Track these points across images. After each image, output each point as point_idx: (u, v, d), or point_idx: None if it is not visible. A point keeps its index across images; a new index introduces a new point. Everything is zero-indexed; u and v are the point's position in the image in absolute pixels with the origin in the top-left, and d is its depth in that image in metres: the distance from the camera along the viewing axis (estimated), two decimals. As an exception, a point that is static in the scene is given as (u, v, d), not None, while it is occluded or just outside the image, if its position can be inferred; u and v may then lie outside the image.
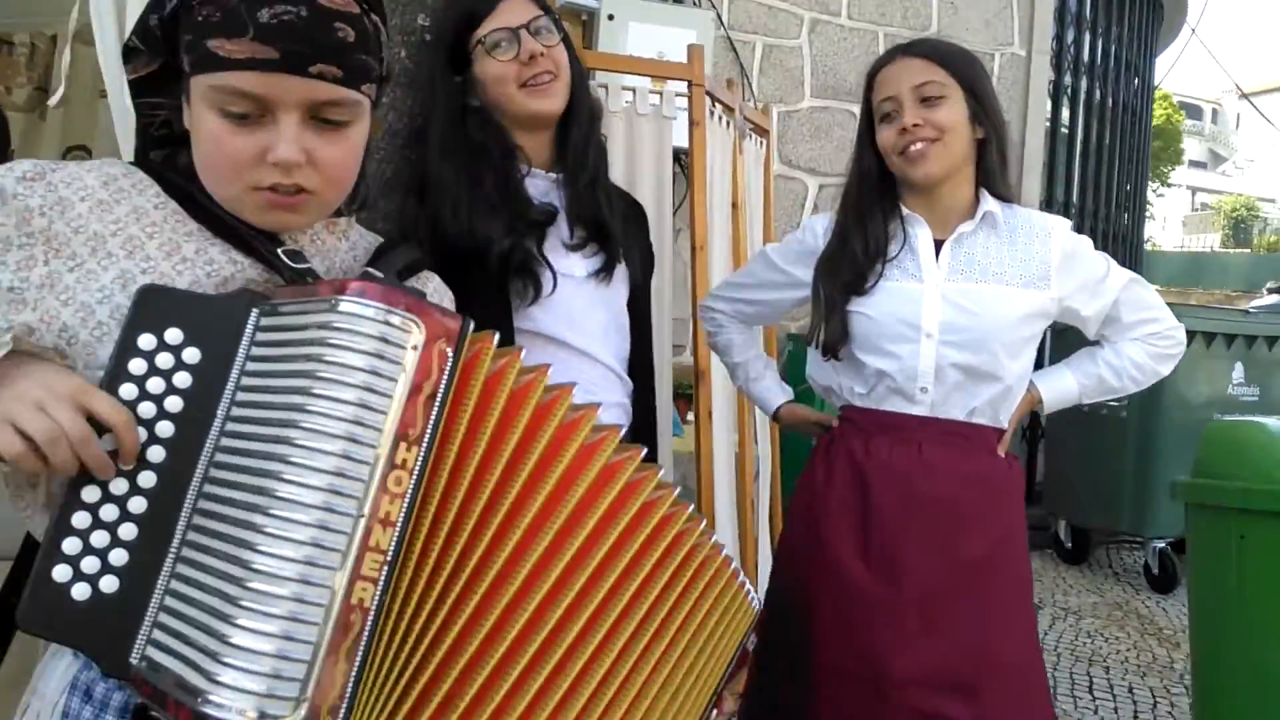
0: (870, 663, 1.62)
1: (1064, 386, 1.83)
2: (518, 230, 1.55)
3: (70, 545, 0.83)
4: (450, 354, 0.86)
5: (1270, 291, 12.23)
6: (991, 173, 1.73)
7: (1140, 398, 1.79)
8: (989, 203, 1.73)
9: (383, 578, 0.81)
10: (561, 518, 0.94)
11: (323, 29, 0.93)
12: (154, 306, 0.89)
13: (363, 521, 0.80)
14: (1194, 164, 35.53)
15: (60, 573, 0.82)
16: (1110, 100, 6.69)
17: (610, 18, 4.63)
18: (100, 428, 0.83)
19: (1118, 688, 3.58)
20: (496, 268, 1.53)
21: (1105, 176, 6.67)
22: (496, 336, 0.93)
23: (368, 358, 0.83)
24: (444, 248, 1.53)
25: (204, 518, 0.85)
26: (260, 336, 0.90)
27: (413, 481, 0.83)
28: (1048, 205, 6.24)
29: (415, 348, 0.85)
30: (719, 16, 5.03)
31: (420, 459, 0.83)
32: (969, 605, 1.62)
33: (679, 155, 3.09)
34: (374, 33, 0.99)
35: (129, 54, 1.02)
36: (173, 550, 0.85)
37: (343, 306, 0.84)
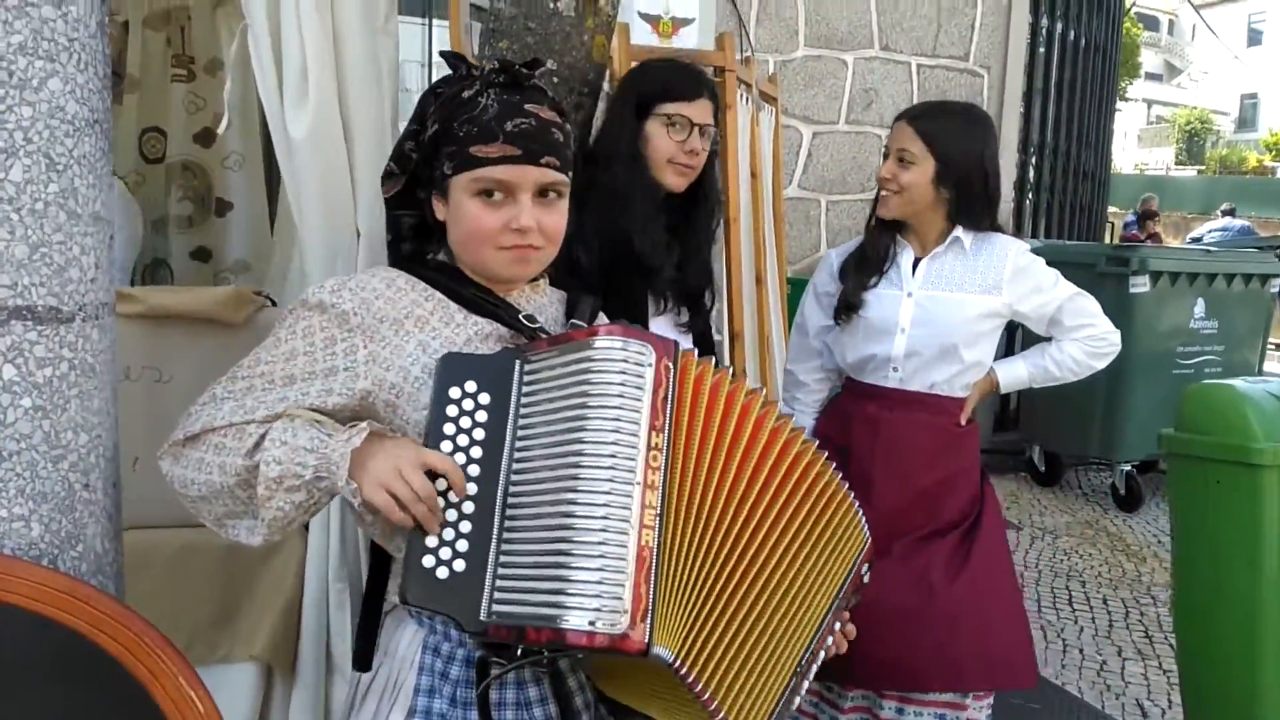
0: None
1: (1016, 372, 2.38)
2: (683, 270, 1.96)
3: (430, 541, 1.17)
4: (671, 366, 1.21)
5: (1223, 214, 12.77)
6: (966, 214, 2.24)
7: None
8: (958, 231, 2.26)
9: (656, 526, 1.15)
10: (764, 475, 1.29)
11: (547, 133, 1.32)
12: (453, 365, 1.24)
13: (638, 488, 1.15)
14: (1150, 76, 35.81)
15: (427, 560, 1.17)
16: (1083, 39, 6.98)
17: (617, -24, 4.81)
18: (435, 474, 1.18)
19: (1093, 599, 4.05)
20: (650, 279, 1.93)
21: (1077, 116, 6.99)
22: (696, 351, 1.27)
23: (624, 376, 1.18)
24: (608, 245, 1.89)
25: (515, 509, 1.19)
26: (526, 379, 1.24)
27: (664, 457, 1.17)
28: (1024, 146, 6.56)
29: (650, 365, 1.19)
30: (719, -29, 5.22)
31: (667, 440, 1.18)
32: (921, 520, 2.21)
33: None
34: (569, 137, 1.38)
35: (385, 179, 1.40)
36: (493, 540, 1.18)
37: (598, 344, 1.19)
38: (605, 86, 2.15)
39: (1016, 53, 6.17)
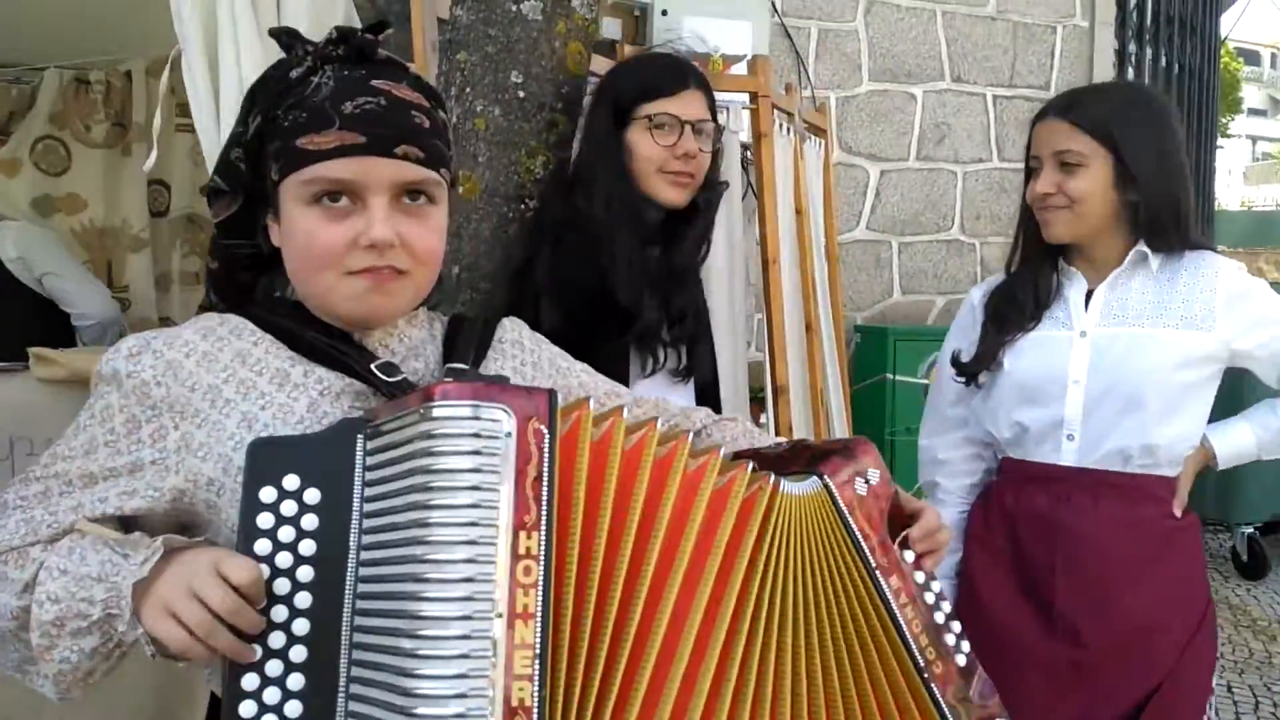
0: (1021, 713, 1.61)
1: (1239, 440, 1.77)
2: (669, 310, 1.61)
3: (246, 709, 0.85)
4: (545, 430, 0.87)
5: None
6: (1154, 226, 1.68)
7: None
8: (1142, 246, 1.70)
9: (536, 673, 0.81)
10: (712, 564, 0.97)
11: (402, 114, 1.00)
12: (266, 458, 0.90)
13: (501, 621, 0.81)
14: (1254, 112, 34.55)
15: (246, 709, 0.84)
16: (1176, 65, 6.51)
17: (664, 13, 4.58)
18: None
19: (1215, 686, 3.53)
20: (637, 335, 1.59)
21: (1172, 145, 6.50)
22: (591, 402, 0.94)
23: (469, 457, 0.84)
24: (584, 293, 1.56)
25: (364, 651, 0.86)
26: (370, 460, 0.91)
27: (541, 569, 0.83)
28: (1114, 179, 6.09)
29: (509, 434, 0.85)
30: (773, 3, 4.96)
31: (543, 544, 0.84)
32: (1135, 668, 1.61)
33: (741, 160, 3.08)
34: (443, 126, 1.05)
35: (211, 198, 1.07)
36: (341, 690, 0.86)
37: (435, 412, 0.85)
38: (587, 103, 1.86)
39: (1102, 80, 5.74)
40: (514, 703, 0.79)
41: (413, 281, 1.02)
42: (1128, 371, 1.64)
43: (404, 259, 1.00)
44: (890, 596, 1.05)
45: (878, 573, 1.05)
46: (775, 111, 2.90)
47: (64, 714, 1.14)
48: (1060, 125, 1.69)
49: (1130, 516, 1.66)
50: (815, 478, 1.06)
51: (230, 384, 0.99)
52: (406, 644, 0.81)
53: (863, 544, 1.05)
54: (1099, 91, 1.81)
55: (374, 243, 0.97)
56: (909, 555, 1.09)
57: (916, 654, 1.05)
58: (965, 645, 1.08)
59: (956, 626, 1.08)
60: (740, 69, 2.94)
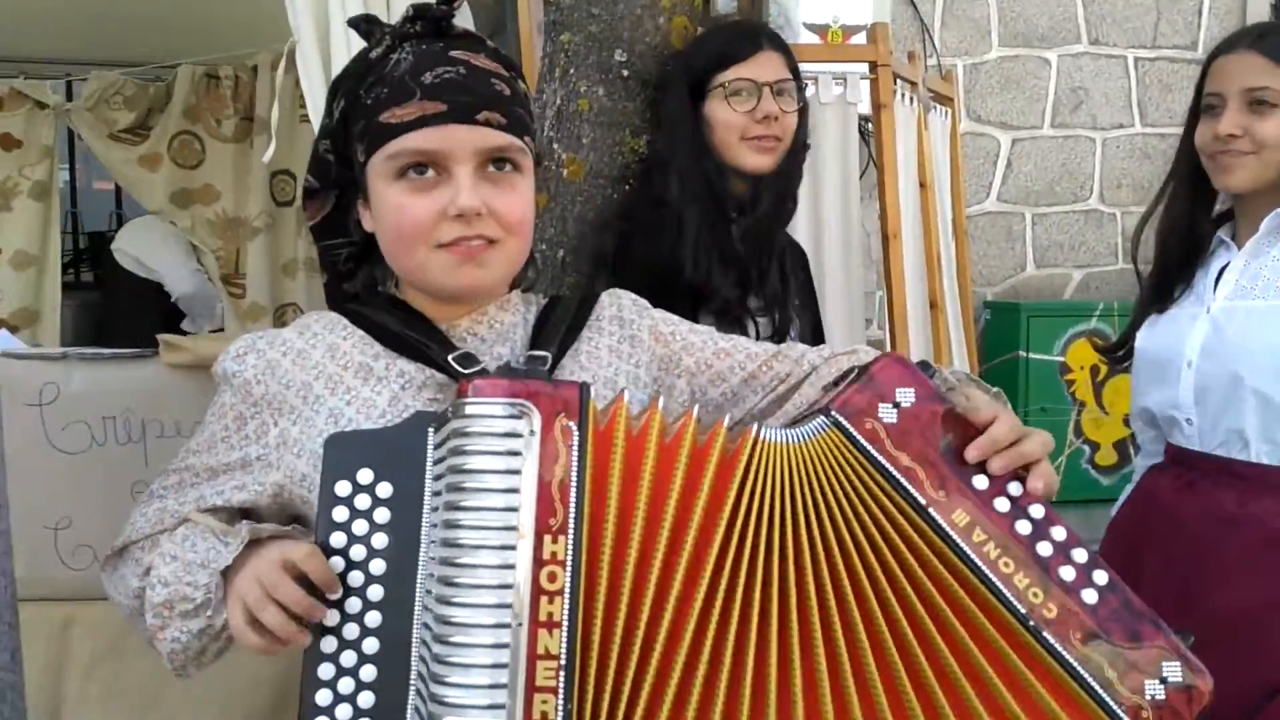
0: None
1: None
2: (747, 286, 1.56)
3: (322, 697, 0.85)
4: (575, 427, 0.83)
5: None
6: None
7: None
8: None
9: (561, 684, 0.78)
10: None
11: (482, 82, 0.98)
12: (341, 452, 0.90)
13: (524, 630, 0.78)
14: None
15: (322, 697, 0.85)
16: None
17: (782, -16, 4.50)
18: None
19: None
20: (715, 311, 1.54)
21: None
22: (627, 394, 0.89)
23: (492, 457, 0.82)
24: (652, 274, 1.51)
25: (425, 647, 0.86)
26: (438, 454, 0.89)
27: (568, 575, 0.80)
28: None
29: (534, 432, 0.82)
30: (897, -29, 4.80)
31: (571, 548, 0.80)
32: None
33: (861, 132, 2.99)
34: (524, 95, 1.03)
35: (306, 200, 1.08)
36: (413, 683, 0.85)
37: (469, 409, 0.84)
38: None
39: (1256, 35, 5.37)
40: (535, 717, 0.76)
41: (504, 252, 1.00)
42: (1240, 350, 1.50)
43: (493, 228, 0.98)
44: (957, 536, 0.86)
45: (931, 509, 0.86)
46: (897, 81, 2.80)
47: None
48: (1255, 59, 1.50)
49: (1241, 511, 1.49)
50: (821, 416, 0.90)
51: (320, 380, 1.00)
52: (437, 649, 0.80)
53: (901, 479, 0.87)
54: None
55: (461, 211, 0.95)
56: (980, 480, 0.88)
57: (1012, 599, 0.85)
58: (1101, 575, 0.87)
59: (1081, 554, 0.87)
60: (860, 39, 2.84)
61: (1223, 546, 1.49)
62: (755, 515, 0.87)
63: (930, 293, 3.13)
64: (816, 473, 0.88)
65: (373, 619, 0.87)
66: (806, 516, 0.87)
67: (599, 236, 1.64)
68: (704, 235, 1.54)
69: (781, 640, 0.85)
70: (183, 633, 0.96)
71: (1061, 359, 4.65)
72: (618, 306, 1.13)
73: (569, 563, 0.80)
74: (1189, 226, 1.60)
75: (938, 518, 0.86)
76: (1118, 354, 1.67)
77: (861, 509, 0.87)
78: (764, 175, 1.61)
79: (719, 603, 0.85)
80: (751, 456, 0.88)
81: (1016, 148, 5.14)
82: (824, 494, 0.88)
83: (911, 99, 2.99)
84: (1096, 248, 5.27)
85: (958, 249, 3.54)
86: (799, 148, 1.66)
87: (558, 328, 1.06)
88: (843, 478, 0.88)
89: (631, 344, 1.09)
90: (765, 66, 1.60)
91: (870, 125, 2.76)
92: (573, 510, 0.81)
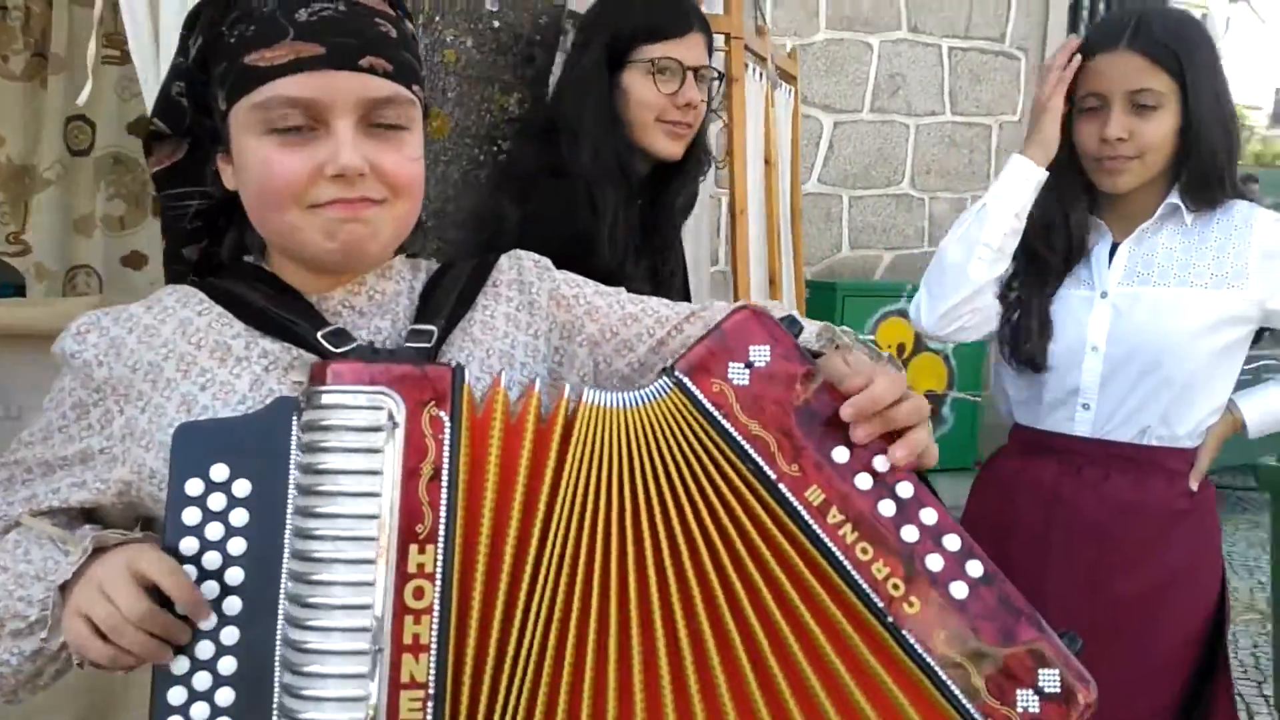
0: None
1: (1271, 407, 1.63)
2: (658, 278, 1.50)
3: (175, 694, 0.75)
4: (446, 417, 0.74)
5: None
6: (1198, 182, 1.54)
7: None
8: (1174, 197, 1.56)
9: (429, 718, 0.70)
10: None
11: (365, 22, 0.86)
12: (192, 445, 0.78)
13: (384, 656, 0.70)
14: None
15: None
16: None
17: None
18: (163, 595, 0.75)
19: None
20: None
21: None
22: (504, 376, 0.80)
23: (347, 455, 0.72)
24: (560, 253, 1.41)
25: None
26: (303, 439, 0.77)
27: (438, 589, 0.71)
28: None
29: (397, 425, 0.73)
30: (730, -53, 4.80)
31: (441, 558, 0.72)
32: (1118, 650, 1.47)
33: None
34: (412, 38, 0.91)
35: (150, 142, 0.93)
36: (275, 708, 0.74)
37: (322, 400, 0.74)
38: (567, 35, 1.71)
39: (1057, 32, 5.69)
40: None
41: (392, 213, 0.87)
42: (1150, 336, 1.52)
43: (378, 189, 0.85)
44: (809, 515, 0.76)
45: (781, 485, 0.77)
46: (747, 54, 2.78)
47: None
48: (1135, 59, 1.49)
49: (1137, 497, 1.54)
50: (665, 376, 0.80)
51: (170, 361, 0.87)
52: (288, 679, 0.72)
53: (749, 449, 0.77)
54: (1165, 18, 1.55)
55: (341, 171, 0.82)
56: (841, 453, 0.78)
57: (868, 589, 0.75)
58: (975, 566, 0.78)
59: (953, 541, 0.78)
60: (716, 7, 2.80)
61: (1124, 533, 1.53)
62: (573, 497, 0.77)
63: (769, 269, 3.15)
64: (653, 441, 0.78)
65: (229, 635, 0.76)
66: (635, 494, 0.78)
67: (493, 198, 1.52)
68: (620, 217, 1.46)
69: (621, 645, 0.76)
70: (13, 654, 0.83)
71: (872, 338, 4.82)
72: (518, 269, 1.01)
73: (439, 575, 0.72)
74: (1067, 216, 1.59)
75: (788, 494, 0.77)
76: (1026, 345, 1.59)
77: (706, 482, 0.78)
78: (666, 162, 1.54)
79: (558, 609, 0.76)
80: (570, 427, 0.78)
81: (838, 130, 5.27)
82: (661, 466, 0.78)
83: (761, 74, 2.97)
84: (906, 230, 5.48)
85: (794, 229, 3.58)
86: (702, 138, 1.61)
87: (447, 296, 0.94)
88: (684, 445, 0.78)
89: (530, 311, 0.98)
90: (694, 49, 1.54)
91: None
92: (443, 514, 0.72)
